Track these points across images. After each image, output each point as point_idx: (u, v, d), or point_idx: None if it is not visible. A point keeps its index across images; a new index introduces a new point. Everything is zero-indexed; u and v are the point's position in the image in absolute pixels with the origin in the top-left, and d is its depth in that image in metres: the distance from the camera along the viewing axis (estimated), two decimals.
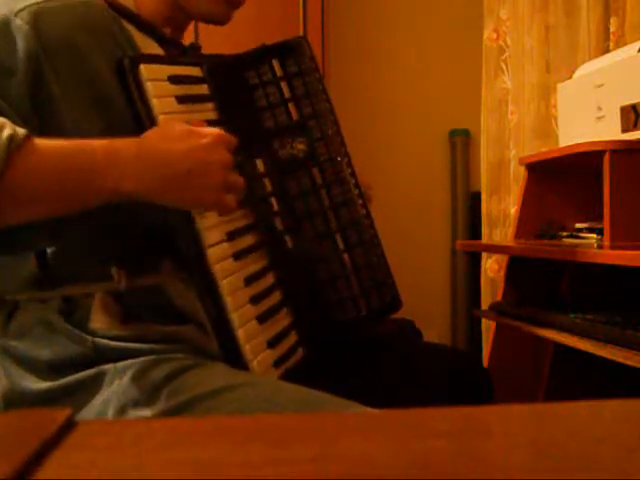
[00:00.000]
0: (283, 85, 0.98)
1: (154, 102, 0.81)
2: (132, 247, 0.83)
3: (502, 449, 0.30)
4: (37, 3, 0.79)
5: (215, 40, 1.03)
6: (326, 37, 2.27)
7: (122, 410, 0.74)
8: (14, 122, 0.72)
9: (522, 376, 1.62)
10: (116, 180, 0.72)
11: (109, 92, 0.81)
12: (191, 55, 1.00)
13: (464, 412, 0.35)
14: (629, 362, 1.08)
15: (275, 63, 0.98)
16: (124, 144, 0.74)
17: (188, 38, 1.04)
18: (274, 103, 0.97)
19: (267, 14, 2.08)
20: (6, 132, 0.68)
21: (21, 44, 0.76)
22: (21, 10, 0.77)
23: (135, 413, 0.73)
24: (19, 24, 0.76)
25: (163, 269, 0.85)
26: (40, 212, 0.72)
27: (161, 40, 0.94)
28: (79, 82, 0.79)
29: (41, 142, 0.71)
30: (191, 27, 1.07)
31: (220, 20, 0.97)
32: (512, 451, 0.29)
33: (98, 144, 0.72)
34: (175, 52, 0.97)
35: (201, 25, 1.06)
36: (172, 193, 0.75)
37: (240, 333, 0.83)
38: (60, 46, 0.78)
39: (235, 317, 0.83)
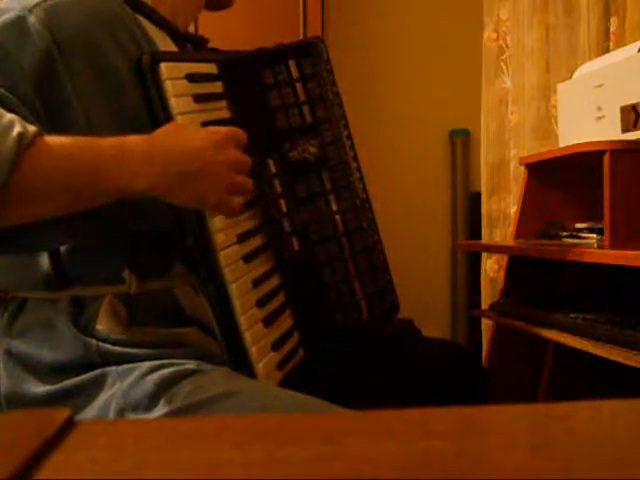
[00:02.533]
0: (298, 86, 0.98)
1: (172, 102, 0.81)
2: (144, 250, 0.83)
3: (502, 449, 0.30)
4: None
5: (214, 40, 1.03)
6: (326, 37, 2.26)
7: (121, 413, 0.74)
8: (25, 118, 0.72)
9: (522, 376, 1.62)
10: (125, 178, 0.72)
11: (125, 89, 0.81)
12: (205, 50, 1.00)
13: (464, 412, 0.35)
14: (629, 362, 1.08)
15: (292, 63, 0.98)
16: (134, 142, 0.74)
17: None
18: (288, 104, 0.97)
19: (267, 14, 2.08)
20: (16, 130, 0.68)
21: (34, 43, 0.75)
22: (35, 6, 0.77)
23: (134, 417, 0.73)
24: (33, 22, 0.76)
25: (174, 272, 0.85)
26: (49, 210, 0.72)
27: (174, 34, 0.94)
28: (94, 79, 0.79)
29: (51, 139, 0.71)
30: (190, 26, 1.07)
31: (226, 4, 1.03)
32: (512, 451, 0.29)
33: (107, 142, 0.72)
34: (184, 45, 0.96)
35: (200, 25, 1.06)
36: (180, 191, 0.75)
37: (247, 336, 0.83)
38: (75, 43, 0.78)
39: (243, 320, 0.83)
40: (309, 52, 1.00)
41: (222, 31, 1.04)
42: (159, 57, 0.82)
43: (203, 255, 0.83)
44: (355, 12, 2.54)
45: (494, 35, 2.16)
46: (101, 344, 0.78)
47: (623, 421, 0.33)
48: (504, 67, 2.14)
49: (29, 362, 0.79)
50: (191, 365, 0.78)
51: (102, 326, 0.79)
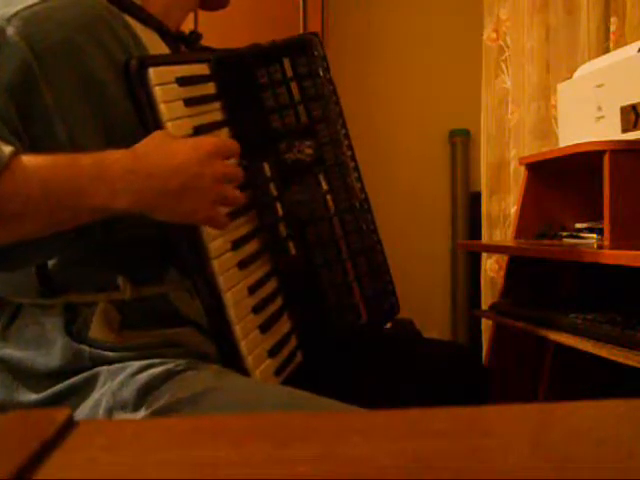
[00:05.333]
0: (293, 86, 0.95)
1: (162, 108, 0.78)
2: (137, 258, 0.82)
3: (502, 449, 0.30)
4: (31, 6, 0.75)
5: (215, 40, 1.02)
6: (326, 37, 2.26)
7: (109, 412, 0.73)
8: (2, 136, 0.70)
9: (522, 376, 1.62)
10: (106, 197, 0.70)
11: (111, 97, 0.79)
12: (198, 49, 0.97)
13: (464, 412, 0.35)
14: (629, 362, 1.08)
15: (286, 62, 0.95)
16: (114, 158, 0.71)
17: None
18: (283, 104, 0.94)
19: (267, 14, 2.08)
20: None
21: (12, 57, 0.73)
22: (13, 16, 0.74)
23: (123, 416, 0.73)
24: (11, 34, 0.73)
25: (168, 278, 0.84)
26: (29, 232, 0.71)
27: (165, 33, 0.92)
28: (78, 89, 0.77)
29: (28, 160, 0.69)
30: (190, 22, 1.06)
31: (222, 4, 1.00)
32: (512, 451, 0.29)
33: (86, 159, 0.70)
34: (176, 44, 0.94)
35: (200, 24, 1.06)
36: (164, 208, 0.73)
37: (243, 345, 0.82)
38: (56, 53, 0.75)
39: (238, 329, 0.82)
40: (304, 50, 0.97)
41: (222, 31, 1.04)
42: (147, 62, 0.79)
43: (196, 263, 0.81)
44: (355, 12, 2.54)
45: (494, 35, 2.16)
46: (93, 350, 0.78)
47: (623, 421, 0.33)
48: (504, 67, 2.14)
49: (22, 368, 0.79)
50: (182, 364, 0.77)
51: (96, 333, 0.78)
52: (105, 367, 0.77)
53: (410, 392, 0.96)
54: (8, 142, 0.70)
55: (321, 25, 2.19)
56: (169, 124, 0.79)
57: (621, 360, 1.09)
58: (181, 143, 0.75)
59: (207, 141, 0.76)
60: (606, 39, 1.80)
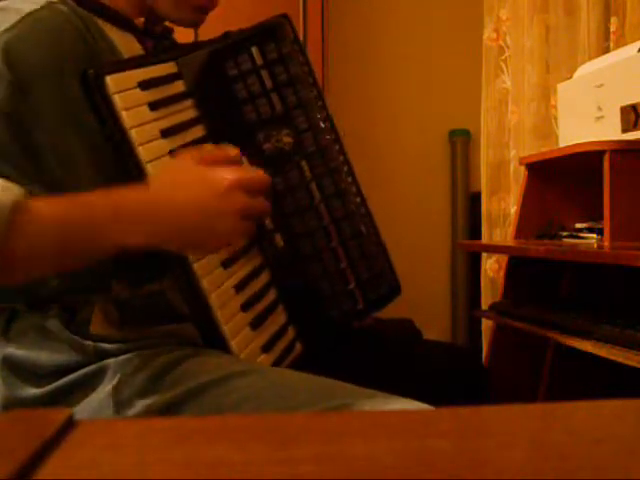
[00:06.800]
0: (264, 74, 0.92)
1: (124, 116, 0.76)
2: (133, 260, 0.82)
3: (502, 449, 0.30)
4: (6, 31, 0.74)
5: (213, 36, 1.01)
6: (326, 37, 2.26)
7: (129, 402, 0.74)
8: (4, 173, 0.68)
9: (522, 376, 1.62)
10: (120, 237, 0.69)
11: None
12: (164, 48, 0.94)
13: (464, 412, 0.35)
14: (629, 362, 1.08)
15: (254, 50, 0.92)
16: (127, 198, 0.70)
17: (188, 32, 1.02)
18: (256, 94, 0.91)
19: (267, 15, 2.08)
20: (7, 198, 0.62)
21: None
22: None
23: (142, 403, 0.73)
24: None
25: (166, 278, 0.84)
26: (41, 273, 0.71)
27: (138, 32, 0.90)
28: (63, 112, 0.76)
29: (37, 205, 0.65)
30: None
31: (191, 25, 0.95)
32: (512, 451, 0.29)
33: (98, 201, 0.68)
34: (153, 42, 0.92)
35: (201, 25, 1.05)
36: (177, 242, 0.73)
37: (233, 345, 0.81)
38: (37, 75, 0.75)
39: (226, 330, 0.81)
40: (272, 35, 0.94)
41: (222, 31, 1.02)
42: (104, 70, 0.76)
43: (177, 266, 0.80)
44: (355, 12, 2.54)
45: (494, 35, 2.16)
46: (98, 344, 0.78)
47: (623, 421, 0.33)
48: (504, 67, 2.14)
49: (26, 367, 0.79)
50: (190, 349, 0.78)
51: (97, 329, 0.79)
52: (112, 359, 0.77)
53: (410, 393, 0.96)
54: (19, 183, 0.67)
55: (321, 25, 2.19)
56: (133, 131, 0.77)
57: (621, 360, 1.09)
58: (200, 175, 0.73)
59: (229, 175, 0.73)
60: (606, 39, 1.80)
